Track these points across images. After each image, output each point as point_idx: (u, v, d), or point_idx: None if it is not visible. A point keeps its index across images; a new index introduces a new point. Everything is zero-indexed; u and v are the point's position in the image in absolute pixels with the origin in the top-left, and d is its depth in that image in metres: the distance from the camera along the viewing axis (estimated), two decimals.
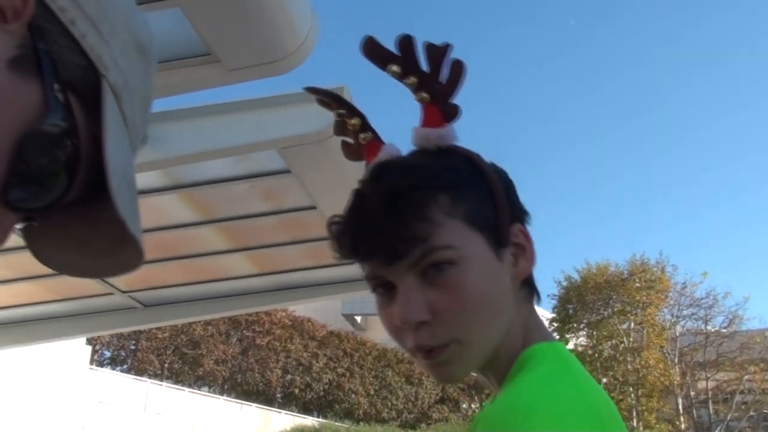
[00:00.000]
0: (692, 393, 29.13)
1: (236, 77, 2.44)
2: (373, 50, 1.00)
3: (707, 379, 28.91)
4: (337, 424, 22.26)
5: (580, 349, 28.60)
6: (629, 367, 27.29)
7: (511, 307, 0.95)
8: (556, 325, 29.35)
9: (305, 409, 24.00)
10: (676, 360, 28.83)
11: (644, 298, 28.20)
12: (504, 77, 65.11)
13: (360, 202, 0.93)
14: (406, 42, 0.98)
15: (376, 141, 1.06)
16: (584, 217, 62.50)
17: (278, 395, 24.31)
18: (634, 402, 26.93)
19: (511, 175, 1.03)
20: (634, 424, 25.74)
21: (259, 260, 4.18)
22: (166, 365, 22.89)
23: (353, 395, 24.65)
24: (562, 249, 59.18)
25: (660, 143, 62.87)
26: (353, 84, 2.67)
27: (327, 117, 2.63)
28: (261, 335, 24.17)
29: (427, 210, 0.90)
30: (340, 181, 2.81)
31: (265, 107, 2.82)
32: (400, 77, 0.99)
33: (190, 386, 20.84)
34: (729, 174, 60.89)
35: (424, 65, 0.98)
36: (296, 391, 24.29)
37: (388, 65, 0.99)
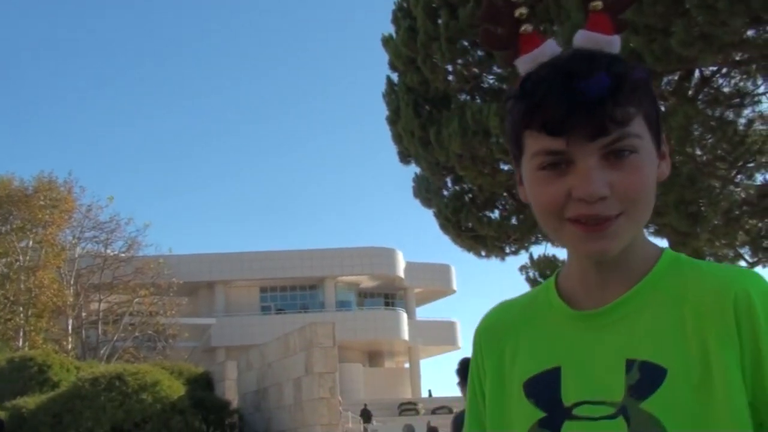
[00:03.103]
0: (84, 314, 29.55)
1: None
2: None
3: (100, 300, 29.63)
4: None
5: None
6: (22, 286, 26.35)
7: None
8: None
9: None
10: (72, 281, 28.86)
11: (47, 217, 27.48)
12: None
13: (571, 77, 0.99)
14: None
15: (538, 34, 1.10)
16: None
17: None
18: (23, 322, 26.13)
19: None
20: (20, 344, 24.99)
21: None
22: None
23: None
24: None
25: (79, 73, 61.55)
26: None
27: None
28: None
29: (634, 99, 1.00)
30: None
31: None
32: None
33: None
34: (139, 107, 62.81)
35: None
36: None
37: None
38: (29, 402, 14.99)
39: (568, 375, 1.05)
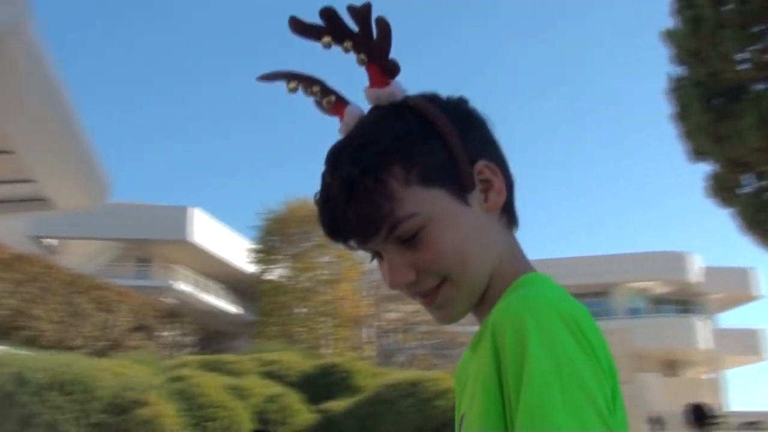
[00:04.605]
0: (381, 323, 31.25)
1: None
2: (301, 28, 1.04)
3: (395, 310, 31.14)
4: (18, 352, 20.79)
5: (281, 280, 29.19)
6: (325, 298, 28.47)
7: (494, 240, 1.04)
8: (260, 256, 29.66)
9: None
10: (369, 292, 30.63)
11: None
12: None
13: (325, 191, 0.99)
14: (329, 12, 1.02)
15: (341, 102, 1.10)
16: (298, 147, 63.47)
17: None
18: (327, 331, 28.20)
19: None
20: (330, 351, 26.95)
21: None
22: None
23: (38, 321, 23.12)
24: (269, 182, 59.82)
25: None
26: None
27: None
28: None
29: (382, 189, 0.96)
30: (15, 91, 2.44)
31: None
32: (336, 45, 1.03)
33: None
34: None
35: (353, 28, 1.03)
36: None
37: (320, 38, 1.03)
38: (337, 406, 16.14)
39: None
